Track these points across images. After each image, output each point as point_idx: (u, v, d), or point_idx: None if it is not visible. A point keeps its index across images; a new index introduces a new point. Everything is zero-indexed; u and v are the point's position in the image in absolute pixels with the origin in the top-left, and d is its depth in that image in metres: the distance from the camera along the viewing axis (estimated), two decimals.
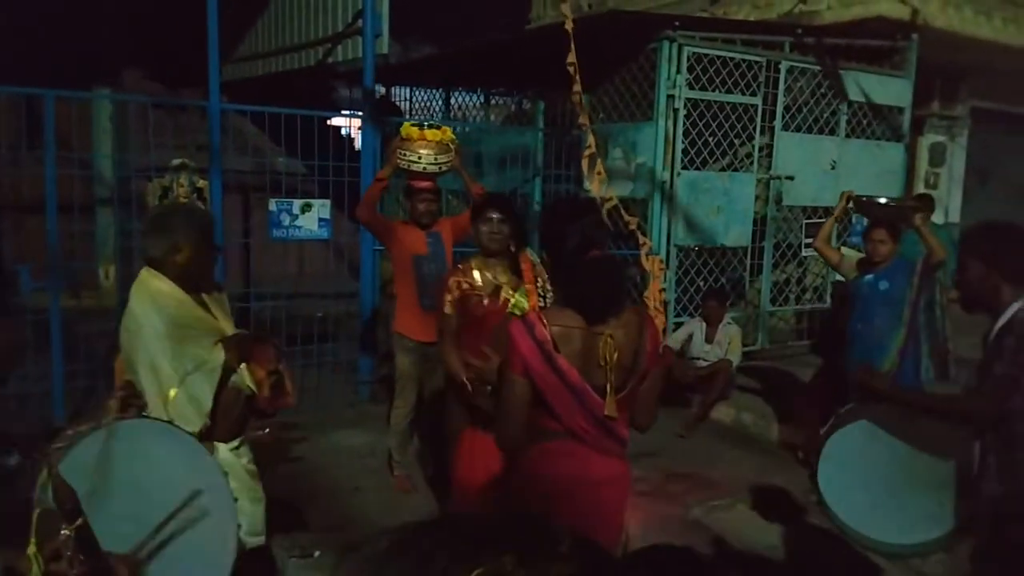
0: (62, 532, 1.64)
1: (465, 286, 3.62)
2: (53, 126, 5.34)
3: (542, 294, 3.51)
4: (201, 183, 6.84)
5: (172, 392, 2.66)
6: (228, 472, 2.70)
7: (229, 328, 2.93)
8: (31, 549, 1.63)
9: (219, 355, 2.75)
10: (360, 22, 6.44)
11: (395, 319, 4.88)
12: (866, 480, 3.52)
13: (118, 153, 7.54)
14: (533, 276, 3.58)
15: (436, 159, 4.46)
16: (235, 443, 2.87)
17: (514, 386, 2.31)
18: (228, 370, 2.77)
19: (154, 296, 2.73)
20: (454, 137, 4.63)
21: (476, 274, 3.64)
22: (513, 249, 3.65)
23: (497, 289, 3.60)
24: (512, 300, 3.55)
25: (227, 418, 2.81)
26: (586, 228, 2.42)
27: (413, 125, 4.58)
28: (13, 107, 6.64)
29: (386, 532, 0.73)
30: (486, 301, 3.57)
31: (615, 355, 2.32)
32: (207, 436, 2.73)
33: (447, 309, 3.67)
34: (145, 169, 6.70)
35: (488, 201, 3.77)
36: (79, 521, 1.72)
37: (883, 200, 5.08)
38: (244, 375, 2.85)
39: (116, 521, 2.04)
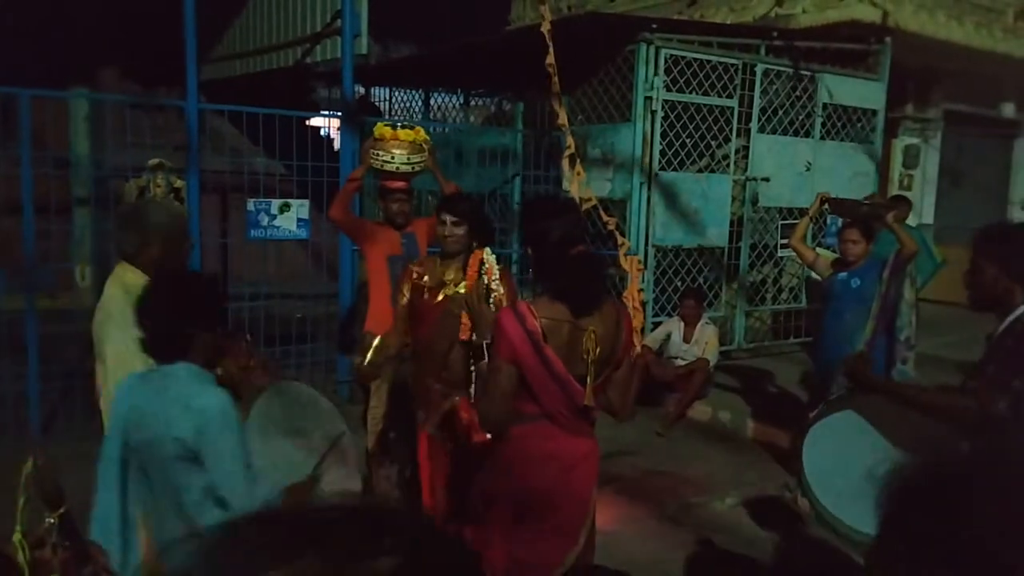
0: (47, 520, 1.67)
1: (414, 276, 3.72)
2: (29, 125, 5.30)
3: (483, 292, 3.53)
4: (178, 183, 6.82)
5: None
6: None
7: None
8: (16, 536, 1.66)
9: None
10: (339, 22, 6.45)
11: (368, 319, 4.88)
12: (848, 468, 3.56)
13: (95, 153, 7.48)
14: (476, 273, 3.63)
15: (409, 159, 4.47)
16: None
17: (501, 372, 2.44)
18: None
19: (127, 287, 2.77)
20: (427, 137, 4.64)
21: (430, 268, 3.73)
22: (475, 248, 3.70)
23: (440, 285, 3.67)
24: (449, 295, 3.63)
25: None
26: (568, 225, 2.57)
27: (386, 125, 4.59)
28: None
29: (220, 526, 0.72)
30: (426, 295, 3.65)
31: (597, 348, 2.48)
32: None
33: (402, 298, 3.77)
34: (122, 169, 6.67)
35: (444, 203, 3.77)
36: (62, 509, 1.76)
37: (860, 200, 5.17)
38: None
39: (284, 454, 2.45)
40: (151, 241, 2.81)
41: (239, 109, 6.16)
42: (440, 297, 3.65)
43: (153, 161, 6.82)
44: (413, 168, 4.52)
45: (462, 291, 3.60)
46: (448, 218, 3.60)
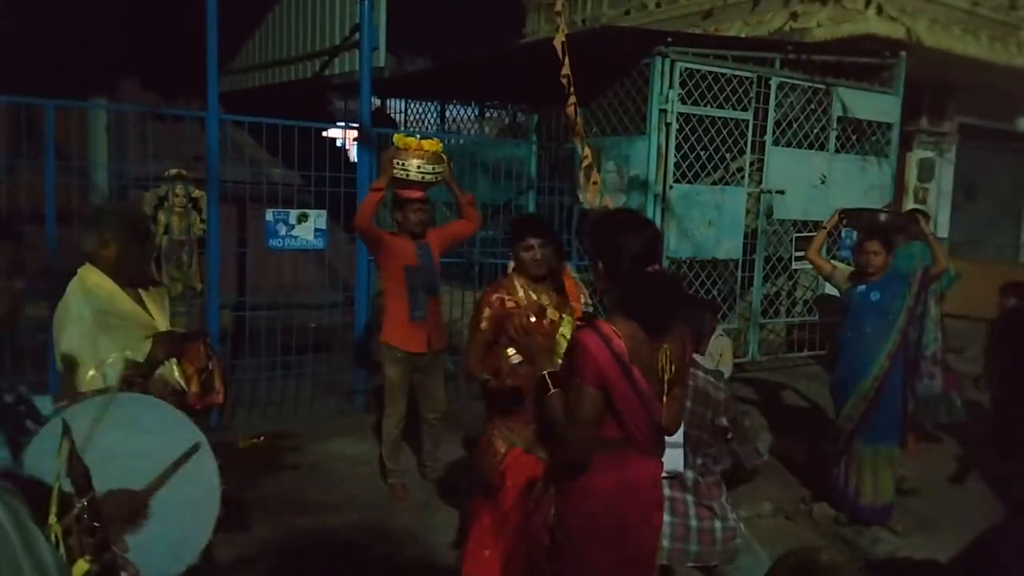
0: (76, 506, 1.70)
1: (510, 304, 3.48)
2: (53, 135, 5.37)
3: (586, 311, 3.51)
4: (197, 193, 6.90)
5: (90, 373, 2.77)
6: None
7: (163, 324, 3.05)
8: (52, 520, 1.69)
9: (144, 347, 2.87)
10: (357, 35, 6.51)
11: (383, 330, 4.91)
12: None
13: (115, 163, 7.57)
14: (577, 294, 3.59)
15: (434, 169, 4.51)
16: None
17: (587, 396, 2.34)
18: (154, 362, 2.89)
19: (87, 288, 2.87)
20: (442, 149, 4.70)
21: (520, 293, 3.51)
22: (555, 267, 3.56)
23: (542, 309, 3.47)
24: (560, 328, 3.44)
25: None
26: (647, 240, 2.49)
27: (407, 136, 4.63)
28: (11, 116, 6.68)
29: None
30: (532, 318, 3.40)
31: (672, 367, 2.43)
32: None
33: (483, 324, 3.49)
34: (142, 179, 6.75)
35: (526, 225, 3.61)
36: (90, 495, 1.79)
37: (878, 210, 5.16)
38: (173, 370, 2.97)
39: (116, 476, 2.07)
40: (108, 242, 2.88)
41: (259, 120, 6.22)
42: (548, 321, 3.44)
43: (172, 171, 6.91)
44: (435, 178, 4.56)
45: (568, 324, 3.41)
46: (535, 242, 3.47)
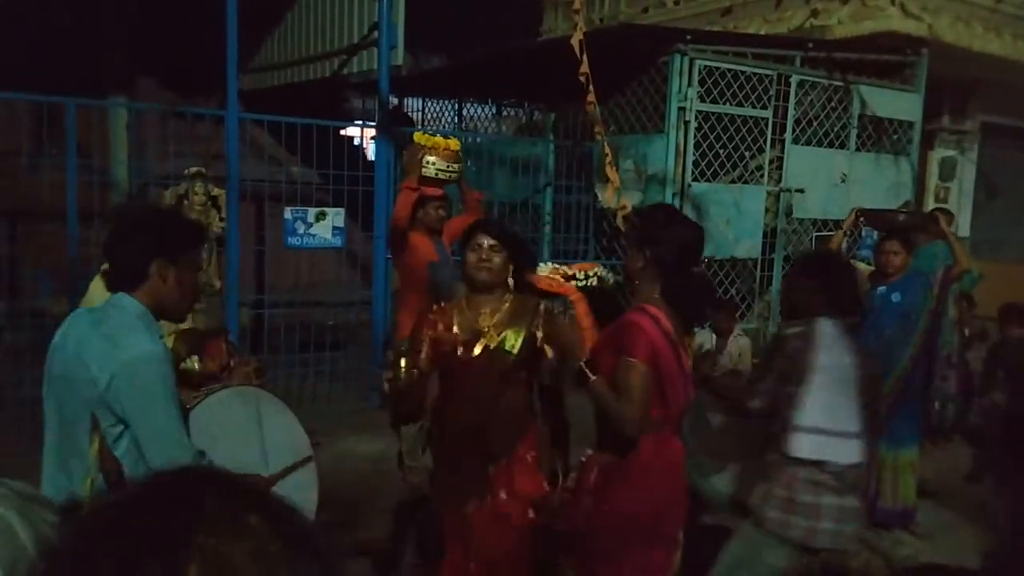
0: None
1: (440, 328, 2.89)
2: (75, 134, 5.42)
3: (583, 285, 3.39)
4: (216, 191, 6.94)
5: None
6: None
7: (185, 323, 3.04)
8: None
9: (166, 343, 2.86)
10: (375, 34, 6.52)
11: (401, 326, 4.92)
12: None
13: (134, 161, 7.63)
14: (561, 285, 3.45)
15: (459, 167, 4.60)
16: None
17: (640, 373, 2.43)
18: (176, 359, 2.87)
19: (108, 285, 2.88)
20: None
21: (456, 315, 2.90)
22: (511, 283, 2.93)
23: (476, 336, 2.84)
24: (493, 347, 2.83)
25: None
26: (697, 238, 2.64)
27: (433, 135, 4.67)
28: (31, 114, 6.74)
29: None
30: (460, 351, 2.83)
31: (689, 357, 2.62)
32: None
33: (424, 365, 2.89)
34: (163, 177, 6.79)
35: (480, 225, 3.06)
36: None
37: (896, 209, 5.11)
38: (195, 367, 2.99)
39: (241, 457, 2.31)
40: None
41: (278, 119, 6.25)
42: (479, 351, 2.83)
43: (191, 169, 6.95)
44: (455, 176, 4.62)
45: (511, 345, 2.81)
46: (486, 242, 2.86)
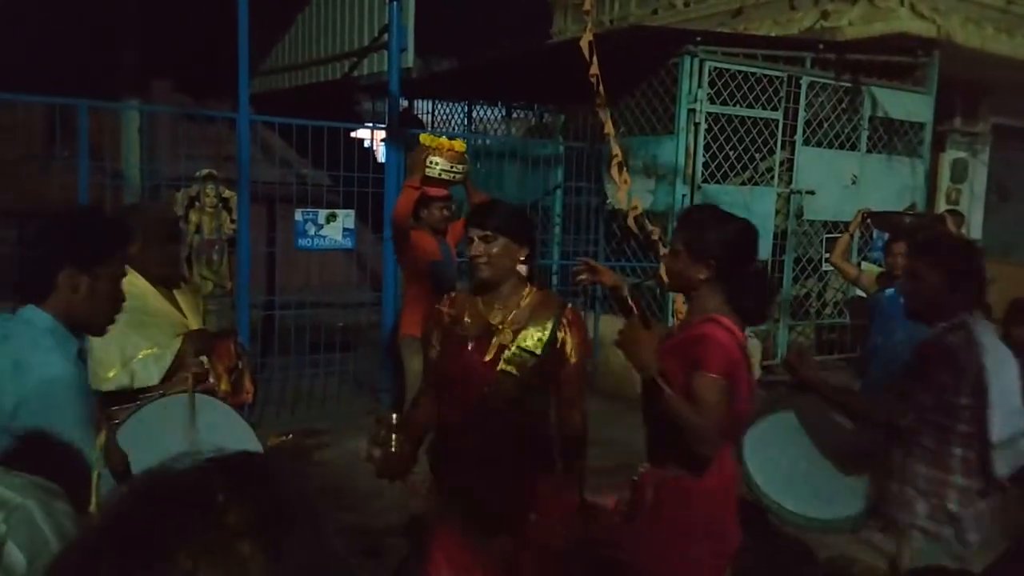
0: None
1: (447, 319, 2.61)
2: (87, 136, 5.46)
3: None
4: (227, 193, 6.98)
5: (111, 372, 2.82)
6: None
7: (195, 323, 3.10)
8: (92, 509, 1.71)
9: (174, 344, 2.91)
10: (385, 36, 6.54)
11: (404, 324, 4.97)
12: (788, 461, 3.55)
13: (146, 163, 7.68)
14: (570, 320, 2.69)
15: (464, 168, 4.65)
16: None
17: (719, 388, 2.31)
18: (183, 360, 2.93)
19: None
20: None
21: (467, 307, 2.60)
22: (524, 270, 2.58)
23: (488, 333, 2.52)
24: (507, 353, 2.50)
25: None
26: (755, 237, 2.52)
27: (437, 136, 4.73)
28: (44, 116, 6.80)
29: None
30: (470, 345, 2.53)
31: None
32: None
33: (433, 353, 2.63)
34: (174, 179, 6.83)
35: (471, 213, 2.74)
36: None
37: (902, 212, 5.11)
38: (204, 367, 3.00)
39: None
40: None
41: (289, 121, 6.28)
42: (491, 354, 2.50)
43: (202, 171, 6.99)
44: (460, 177, 4.67)
45: (530, 343, 2.50)
46: (475, 232, 2.51)
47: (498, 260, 2.50)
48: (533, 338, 2.52)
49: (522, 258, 2.55)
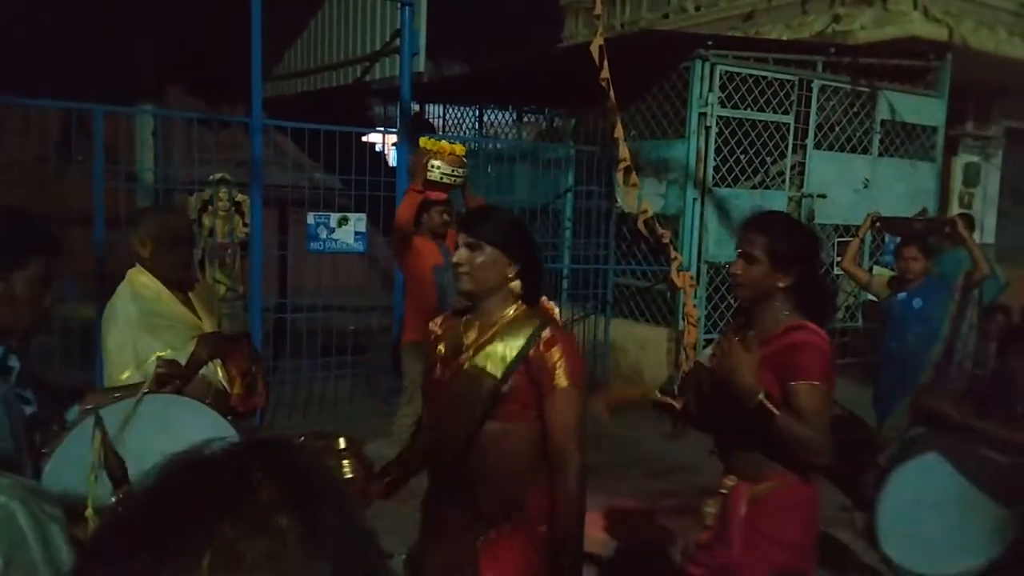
0: (113, 498, 1.73)
1: (433, 337, 2.42)
2: (103, 140, 5.50)
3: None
4: (240, 197, 7.02)
5: (125, 374, 2.82)
6: None
7: (209, 326, 3.10)
8: (88, 513, 1.72)
9: (189, 348, 2.91)
10: (397, 41, 6.57)
11: (407, 329, 4.97)
12: (929, 515, 3.40)
13: (159, 167, 7.74)
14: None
15: (463, 172, 4.67)
16: None
17: (826, 396, 2.24)
18: (197, 362, 2.92)
19: (135, 288, 2.94)
20: None
21: (451, 327, 2.38)
22: (517, 287, 2.27)
23: (457, 350, 2.28)
24: (469, 364, 2.22)
25: None
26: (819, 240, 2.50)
27: (437, 140, 4.75)
28: (61, 121, 6.86)
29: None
30: (438, 371, 2.33)
31: None
32: None
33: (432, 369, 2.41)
34: (188, 183, 6.89)
35: (466, 216, 2.57)
36: (126, 488, 1.82)
37: (912, 217, 5.10)
38: (217, 371, 3.01)
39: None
40: (144, 244, 2.95)
41: (302, 126, 6.32)
42: (456, 366, 2.27)
43: (215, 175, 7.04)
44: (459, 181, 4.70)
45: (489, 364, 2.18)
46: (462, 238, 2.26)
47: (480, 272, 2.21)
48: (495, 358, 2.17)
49: (511, 275, 2.24)
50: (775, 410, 2.16)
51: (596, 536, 4.26)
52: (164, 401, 2.31)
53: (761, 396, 2.16)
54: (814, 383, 2.20)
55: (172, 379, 2.40)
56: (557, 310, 2.50)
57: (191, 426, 2.27)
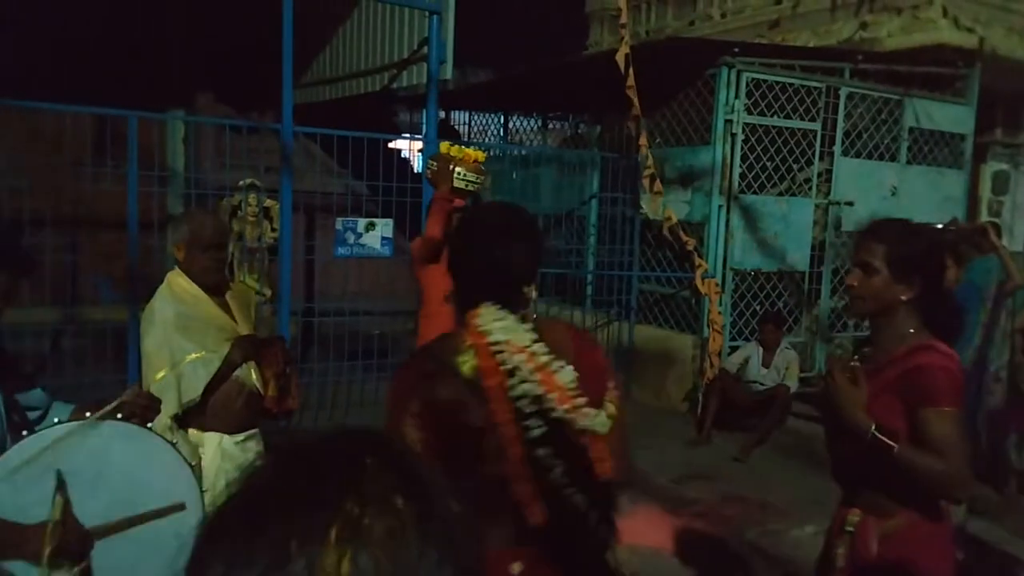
0: (71, 572, 1.76)
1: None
2: (136, 145, 5.61)
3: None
4: (268, 202, 7.12)
5: (160, 374, 2.88)
6: (229, 462, 2.91)
7: (245, 328, 3.14)
8: (43, 558, 1.74)
9: (223, 348, 2.97)
10: (424, 49, 6.64)
11: (423, 336, 4.93)
12: None
13: (190, 172, 7.88)
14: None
15: (477, 178, 4.61)
16: (241, 436, 3.06)
17: (956, 420, 2.08)
18: (231, 364, 2.98)
19: (174, 291, 3.00)
20: None
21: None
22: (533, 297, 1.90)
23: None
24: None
25: (227, 409, 3.01)
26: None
27: (456, 145, 4.68)
28: (95, 126, 6.99)
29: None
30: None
31: None
32: (197, 424, 2.96)
33: None
34: (219, 188, 6.99)
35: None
36: (84, 564, 1.81)
37: (941, 227, 5.07)
38: (251, 373, 3.06)
39: (87, 502, 1.97)
40: (179, 247, 3.02)
41: (331, 133, 6.39)
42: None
43: (245, 181, 7.14)
44: (478, 187, 4.64)
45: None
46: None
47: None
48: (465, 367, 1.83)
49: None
50: (892, 443, 2.02)
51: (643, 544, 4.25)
52: (118, 433, 2.10)
53: (873, 430, 2.04)
54: (944, 409, 2.04)
55: (144, 411, 2.20)
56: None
57: (141, 465, 2.11)
